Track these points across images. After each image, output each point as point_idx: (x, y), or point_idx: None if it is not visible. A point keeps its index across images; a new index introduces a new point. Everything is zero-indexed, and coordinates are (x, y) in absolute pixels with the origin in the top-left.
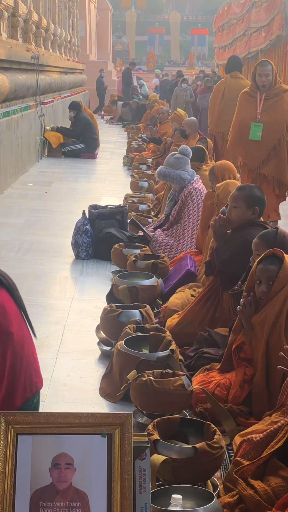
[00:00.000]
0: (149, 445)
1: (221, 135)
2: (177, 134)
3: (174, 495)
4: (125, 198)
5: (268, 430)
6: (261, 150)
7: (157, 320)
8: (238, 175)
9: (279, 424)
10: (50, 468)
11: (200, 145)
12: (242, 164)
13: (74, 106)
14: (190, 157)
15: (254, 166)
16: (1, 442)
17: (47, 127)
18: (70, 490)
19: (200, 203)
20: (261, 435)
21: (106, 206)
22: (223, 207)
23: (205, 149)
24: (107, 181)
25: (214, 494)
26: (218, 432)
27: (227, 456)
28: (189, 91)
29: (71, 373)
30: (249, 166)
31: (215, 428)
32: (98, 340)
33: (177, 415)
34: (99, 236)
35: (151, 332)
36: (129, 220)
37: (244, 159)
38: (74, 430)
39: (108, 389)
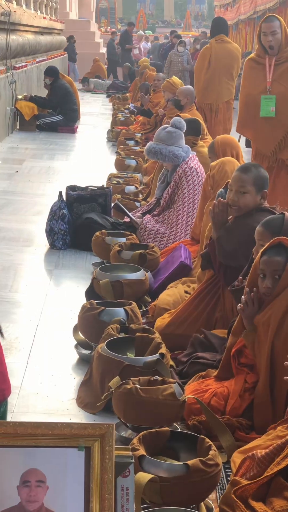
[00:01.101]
0: (133, 461)
1: (209, 107)
2: (171, 105)
3: None
4: (109, 179)
5: (273, 445)
6: (277, 129)
7: (144, 320)
8: (241, 152)
9: (287, 438)
10: (19, 486)
11: (195, 117)
12: (253, 150)
13: (51, 72)
14: (184, 131)
15: (269, 151)
16: None
17: (19, 96)
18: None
19: (196, 185)
20: (266, 450)
21: (86, 188)
22: (221, 189)
23: (201, 121)
24: (88, 159)
25: None
26: (213, 447)
27: (224, 475)
28: (187, 56)
29: (44, 380)
30: (262, 151)
31: (210, 443)
32: (75, 342)
33: (167, 428)
34: (78, 222)
35: (137, 334)
36: (113, 204)
37: (256, 143)
38: (47, 442)
39: (87, 398)
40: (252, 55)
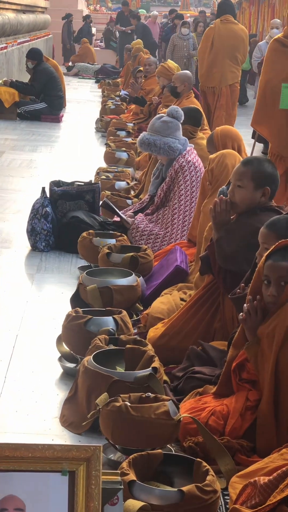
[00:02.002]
0: (122, 487)
1: (212, 90)
2: (166, 92)
3: None
4: (98, 173)
5: (277, 472)
6: None
7: (136, 330)
8: (244, 145)
9: None
10: None
11: (194, 106)
12: (270, 149)
13: (34, 55)
14: (181, 121)
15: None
16: None
17: None
18: None
19: (194, 181)
20: (269, 477)
21: (72, 183)
22: (223, 186)
23: (201, 110)
24: (74, 151)
25: None
26: (211, 472)
27: (223, 502)
28: (192, 40)
29: (24, 396)
30: (279, 151)
31: (208, 467)
32: (59, 354)
33: (160, 451)
34: (62, 222)
35: (127, 345)
36: (101, 202)
37: (272, 142)
38: (27, 466)
39: (72, 417)
40: (279, 35)
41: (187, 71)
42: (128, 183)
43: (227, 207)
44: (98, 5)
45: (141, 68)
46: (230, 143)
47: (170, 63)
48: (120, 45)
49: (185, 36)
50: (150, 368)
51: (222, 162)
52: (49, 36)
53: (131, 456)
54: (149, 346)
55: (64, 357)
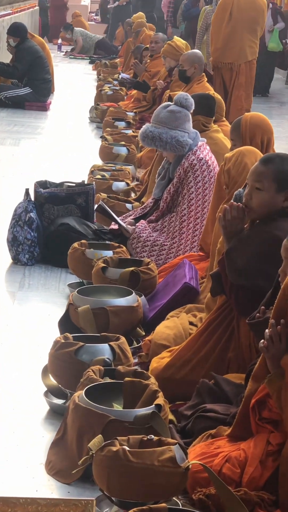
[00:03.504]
0: None
1: (229, 67)
2: (174, 76)
3: None
4: (92, 172)
5: None
6: None
7: (136, 360)
8: (273, 141)
9: None
10: None
11: (208, 92)
12: None
13: (16, 31)
14: (192, 110)
15: None
16: None
17: None
18: None
19: (207, 182)
20: None
21: (61, 184)
22: (240, 189)
23: (215, 97)
24: (64, 145)
25: None
26: None
27: None
28: None
29: (4, 438)
30: None
31: None
32: (45, 389)
33: (164, 505)
34: (50, 230)
35: (126, 378)
36: (96, 206)
37: None
38: None
39: (60, 463)
40: None
41: (197, 50)
42: (128, 184)
43: (239, 214)
44: None
45: (148, 46)
46: (260, 135)
47: (178, 40)
48: (113, 21)
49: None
50: (153, 405)
51: (240, 162)
52: (35, 8)
53: (130, 511)
54: (152, 379)
55: (51, 391)
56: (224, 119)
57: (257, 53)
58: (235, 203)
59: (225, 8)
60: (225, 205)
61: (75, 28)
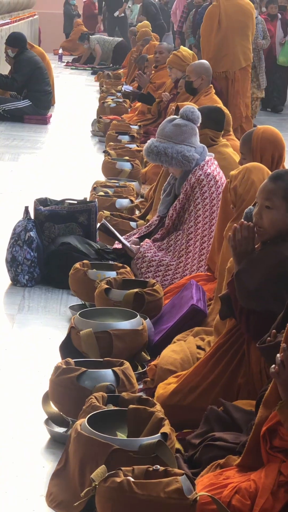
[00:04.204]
0: None
1: (223, 76)
2: (180, 88)
3: None
4: (94, 189)
5: None
6: None
7: (141, 386)
8: (285, 157)
9: None
10: None
11: (216, 105)
12: None
13: (15, 41)
14: (199, 124)
15: None
16: None
17: None
18: None
19: (215, 198)
20: None
21: (62, 201)
22: (250, 207)
23: (224, 110)
24: (65, 160)
25: None
26: None
27: None
28: (262, 25)
29: (3, 469)
30: None
31: None
32: (46, 416)
33: None
34: (50, 249)
35: (130, 406)
36: (99, 224)
37: None
38: None
39: (61, 495)
40: None
41: (204, 61)
42: (132, 201)
43: (249, 234)
44: None
45: (150, 56)
46: (271, 150)
47: (184, 50)
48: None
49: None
50: (159, 434)
51: (247, 179)
52: (35, 17)
53: None
54: (158, 406)
55: (51, 419)
56: (231, 133)
57: (251, 59)
58: (245, 222)
59: (212, 17)
60: (235, 224)
61: (91, 36)
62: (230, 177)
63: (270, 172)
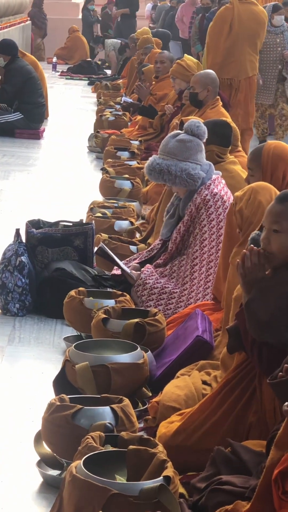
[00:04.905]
0: None
1: (228, 83)
2: (185, 99)
3: None
4: (91, 209)
5: None
6: None
7: (142, 425)
8: None
9: None
10: None
11: (223, 119)
12: None
13: (5, 48)
14: (205, 139)
15: None
16: None
17: None
18: None
19: (222, 220)
20: None
21: (56, 223)
22: (256, 231)
23: (231, 125)
24: (59, 177)
25: None
26: None
27: None
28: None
29: None
30: None
31: None
32: (38, 458)
33: None
34: (43, 276)
35: (130, 446)
36: (96, 249)
37: None
38: None
39: None
40: None
41: (210, 71)
42: (132, 223)
43: (260, 261)
44: None
45: (150, 66)
46: (283, 167)
47: (189, 59)
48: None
49: (277, 29)
50: (161, 477)
51: (253, 200)
52: (27, 22)
53: None
54: (160, 447)
55: (44, 461)
56: (240, 149)
57: (257, 68)
58: (255, 248)
59: (224, 20)
60: (244, 251)
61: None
62: (235, 198)
63: (278, 192)
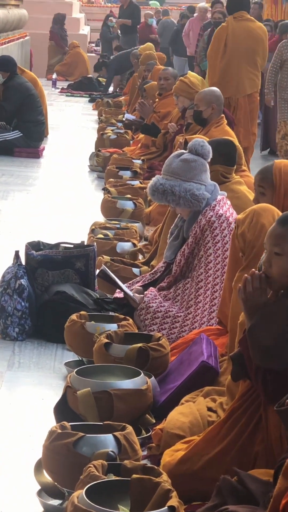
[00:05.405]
0: None
1: (227, 102)
2: (188, 118)
3: None
4: (92, 231)
5: None
6: None
7: (145, 453)
8: None
9: None
10: None
11: (228, 138)
12: None
13: (4, 65)
14: (209, 159)
15: None
16: None
17: None
18: None
19: (227, 242)
20: None
21: (57, 245)
22: (263, 258)
23: (236, 144)
24: (59, 198)
25: None
26: None
27: None
28: None
29: None
30: None
31: None
32: (38, 487)
33: None
34: (43, 299)
35: (133, 475)
36: (98, 271)
37: None
38: None
39: None
40: None
41: (215, 88)
42: (134, 245)
43: (261, 285)
44: None
45: (154, 83)
46: None
47: (192, 76)
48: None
49: None
50: (166, 507)
51: (256, 223)
52: (26, 38)
53: None
54: (164, 476)
55: (45, 490)
56: (245, 168)
57: (259, 86)
58: (256, 272)
59: (219, 39)
60: (245, 275)
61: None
62: (237, 221)
63: (280, 214)
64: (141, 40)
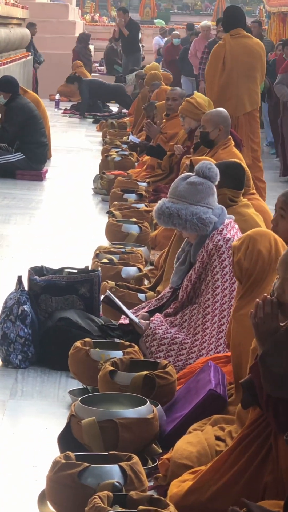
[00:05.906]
0: None
1: None
2: (195, 139)
3: None
4: (97, 255)
5: None
6: None
7: (152, 484)
8: None
9: None
10: None
11: (235, 160)
12: None
13: (6, 85)
14: (216, 182)
15: None
16: None
17: None
18: None
19: None
20: None
21: (61, 270)
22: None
23: (244, 166)
24: (63, 221)
25: None
26: None
27: None
28: None
29: None
30: None
31: None
32: None
33: None
34: (47, 325)
35: (140, 507)
36: (102, 297)
37: None
38: None
39: None
40: None
41: (222, 109)
42: (140, 270)
43: (273, 310)
44: (97, 14)
45: (161, 103)
46: None
47: (199, 96)
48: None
49: None
50: None
51: (252, 249)
52: (28, 58)
53: None
54: (171, 508)
55: None
56: (253, 191)
57: (259, 102)
58: (268, 296)
59: (216, 57)
60: (257, 300)
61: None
62: (232, 248)
63: (276, 238)
64: (166, 61)
